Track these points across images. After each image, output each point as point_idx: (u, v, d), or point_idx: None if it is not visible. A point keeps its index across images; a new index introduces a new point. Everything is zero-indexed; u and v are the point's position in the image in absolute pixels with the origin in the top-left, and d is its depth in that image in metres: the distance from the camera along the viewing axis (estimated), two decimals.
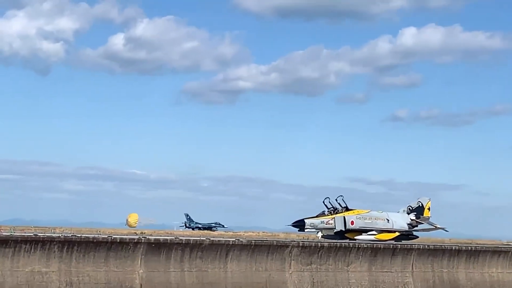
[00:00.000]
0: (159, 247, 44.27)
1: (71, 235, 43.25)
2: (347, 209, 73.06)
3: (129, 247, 43.05)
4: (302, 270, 49.83)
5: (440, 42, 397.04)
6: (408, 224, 76.97)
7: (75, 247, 41.21)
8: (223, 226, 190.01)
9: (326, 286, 50.51)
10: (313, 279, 50.08)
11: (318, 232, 73.20)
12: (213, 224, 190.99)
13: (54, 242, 40.63)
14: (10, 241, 39.34)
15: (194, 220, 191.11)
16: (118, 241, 42.94)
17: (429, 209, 79.20)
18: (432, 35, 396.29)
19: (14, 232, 50.02)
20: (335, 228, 71.81)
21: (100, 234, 50.75)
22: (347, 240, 65.84)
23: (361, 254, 52.57)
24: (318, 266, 50.55)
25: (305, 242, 51.70)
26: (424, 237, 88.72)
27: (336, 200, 73.19)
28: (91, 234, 48.18)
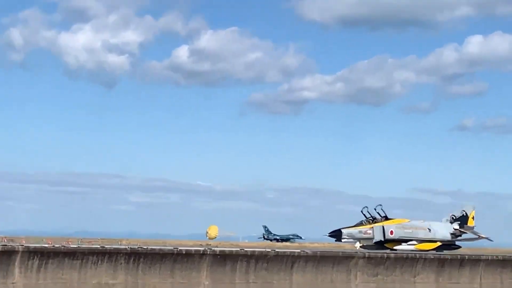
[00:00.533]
0: (224, 259, 44.29)
1: (137, 247, 43.56)
2: (386, 218, 71.39)
3: (194, 258, 43.17)
4: (368, 281, 49.33)
5: (507, 50, 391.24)
6: (451, 233, 75.12)
7: (141, 259, 41.46)
8: (300, 238, 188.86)
9: None
10: None
11: (356, 242, 72.00)
12: (291, 236, 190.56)
13: (121, 254, 40.93)
14: (77, 253, 39.74)
15: (272, 232, 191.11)
16: (184, 252, 43.08)
17: (473, 218, 77.38)
18: (499, 43, 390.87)
19: (82, 244, 50.70)
20: (373, 238, 70.69)
21: (166, 246, 50.97)
22: (414, 251, 64.73)
23: (427, 265, 51.84)
24: (384, 278, 49.98)
25: (370, 253, 51.23)
26: (467, 247, 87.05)
27: (375, 209, 71.46)
28: (157, 246, 48.47)
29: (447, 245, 73.92)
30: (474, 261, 54.23)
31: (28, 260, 38.14)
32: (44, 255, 38.63)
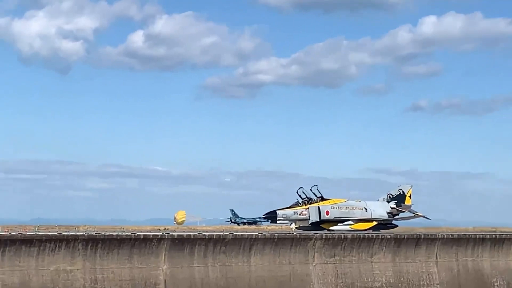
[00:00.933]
0: (182, 243, 44.39)
1: (95, 233, 43.47)
2: (322, 199, 70.81)
3: (152, 243, 43.19)
4: (326, 262, 49.79)
5: (460, 30, 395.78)
6: (388, 212, 74.66)
7: (99, 245, 41.39)
8: (267, 221, 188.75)
9: (350, 278, 50.47)
10: (337, 270, 50.05)
11: (292, 223, 70.68)
12: (258, 219, 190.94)
13: (79, 240, 40.81)
14: (34, 240, 39.56)
15: (239, 215, 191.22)
16: (141, 237, 43.09)
17: (410, 196, 77.17)
18: (452, 23, 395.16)
19: (39, 231, 50.39)
20: (309, 219, 70.38)
21: (124, 231, 50.94)
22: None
23: (384, 245, 52.46)
24: (342, 258, 50.49)
25: (328, 234, 51.71)
26: (404, 226, 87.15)
27: (311, 189, 71.14)
28: (114, 232, 48.39)
29: (384, 224, 73.70)
30: (430, 240, 54.99)
31: None
32: (1, 243, 38.39)
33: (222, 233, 48.11)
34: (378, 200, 76.67)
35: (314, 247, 49.28)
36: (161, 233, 46.66)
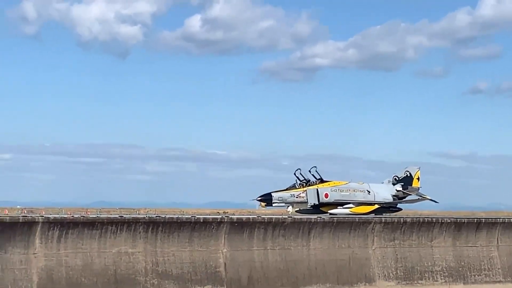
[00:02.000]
0: (242, 226, 44.65)
1: (156, 216, 43.99)
2: (322, 181, 69.37)
3: (212, 226, 43.53)
4: (385, 246, 49.62)
5: None
6: (393, 195, 72.58)
7: (160, 228, 41.86)
8: None
9: (410, 262, 50.21)
10: (397, 254, 49.84)
11: (288, 206, 69.69)
12: None
13: (140, 223, 41.34)
14: (97, 223, 40.20)
15: None
16: (201, 221, 43.44)
17: (418, 179, 75.13)
18: None
19: (101, 214, 51.17)
20: (307, 202, 68.72)
21: (184, 215, 51.40)
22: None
23: (444, 229, 52.01)
24: (402, 242, 50.24)
25: (387, 218, 51.42)
26: (410, 209, 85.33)
27: (310, 171, 70.14)
28: (174, 215, 48.91)
29: (386, 207, 71.81)
30: (491, 224, 54.31)
31: (49, 231, 38.61)
32: (64, 226, 39.13)
33: (281, 216, 48.29)
34: (383, 183, 74.81)
35: (373, 231, 49.12)
36: (220, 216, 46.99)
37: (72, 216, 42.24)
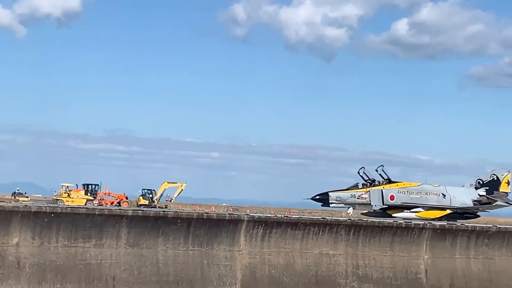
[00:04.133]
0: (444, 233, 44.01)
1: (358, 219, 44.16)
2: (390, 181, 63.13)
3: (414, 232, 43.19)
4: None
5: None
6: (475, 200, 65.14)
7: (361, 231, 42.00)
8: None
9: None
10: None
11: (349, 208, 63.34)
12: None
13: (341, 226, 41.65)
14: (299, 223, 40.87)
15: None
16: (403, 226, 43.23)
17: (508, 183, 66.96)
18: None
19: (303, 215, 51.90)
20: (370, 203, 62.26)
21: (385, 219, 51.23)
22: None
23: None
24: None
25: None
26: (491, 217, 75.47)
27: (376, 170, 63.50)
28: (376, 219, 48.84)
29: (461, 213, 64.54)
30: None
31: (253, 229, 39.63)
32: (268, 225, 40.02)
33: (485, 225, 47.09)
34: (463, 186, 67.82)
35: None
36: (422, 222, 46.48)
37: (276, 216, 43.13)
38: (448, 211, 64.27)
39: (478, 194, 66.56)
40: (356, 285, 41.68)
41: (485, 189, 67.03)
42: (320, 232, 41.13)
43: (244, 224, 39.52)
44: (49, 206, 39.12)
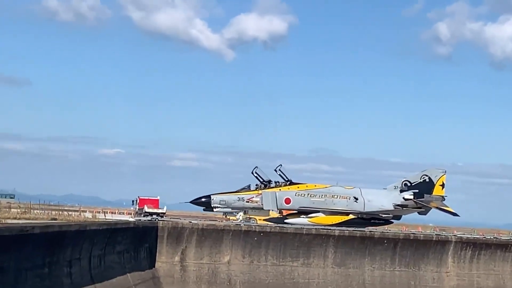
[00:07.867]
0: None
1: None
2: (291, 183, 54.66)
3: None
4: None
5: None
6: (397, 204, 55.35)
7: None
8: None
9: None
10: None
11: (239, 213, 55.03)
12: None
13: None
14: (509, 245, 39.97)
15: None
16: None
17: (442, 185, 56.19)
18: None
19: None
20: (263, 208, 53.40)
21: None
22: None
23: None
24: None
25: None
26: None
27: (275, 170, 55.33)
28: None
29: (367, 219, 54.46)
30: None
31: (461, 251, 39.15)
32: (477, 246, 39.43)
33: None
34: (385, 188, 57.95)
35: None
36: None
37: (484, 237, 42.30)
38: (352, 216, 55.11)
39: (403, 198, 57.60)
40: None
41: (413, 192, 57.69)
42: None
43: (452, 245, 39.05)
44: (258, 226, 40.43)
